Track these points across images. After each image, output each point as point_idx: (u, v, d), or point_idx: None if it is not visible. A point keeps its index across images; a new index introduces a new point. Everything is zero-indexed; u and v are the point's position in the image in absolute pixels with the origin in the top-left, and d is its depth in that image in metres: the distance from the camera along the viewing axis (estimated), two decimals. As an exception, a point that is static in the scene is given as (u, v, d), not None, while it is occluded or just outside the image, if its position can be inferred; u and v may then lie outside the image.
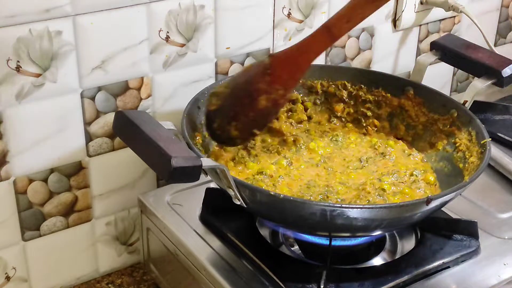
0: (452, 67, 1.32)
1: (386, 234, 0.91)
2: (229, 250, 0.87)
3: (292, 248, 0.90)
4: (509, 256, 0.89)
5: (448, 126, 0.97)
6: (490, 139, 0.89)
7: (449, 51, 1.06)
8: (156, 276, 1.00)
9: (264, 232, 0.91)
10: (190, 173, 0.72)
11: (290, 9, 1.05)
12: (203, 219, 0.93)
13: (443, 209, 0.87)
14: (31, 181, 0.91)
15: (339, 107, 1.04)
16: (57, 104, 0.89)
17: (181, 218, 0.93)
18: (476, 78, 1.02)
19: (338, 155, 0.97)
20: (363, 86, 1.03)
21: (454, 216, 0.93)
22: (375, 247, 0.90)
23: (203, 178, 0.75)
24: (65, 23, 0.86)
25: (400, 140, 1.00)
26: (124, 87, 0.94)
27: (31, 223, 0.94)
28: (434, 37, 1.26)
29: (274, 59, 0.87)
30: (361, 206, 0.81)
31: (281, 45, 1.07)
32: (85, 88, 0.91)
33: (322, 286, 0.80)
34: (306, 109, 1.04)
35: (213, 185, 0.96)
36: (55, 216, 0.95)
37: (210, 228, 0.91)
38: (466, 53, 1.04)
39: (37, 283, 0.98)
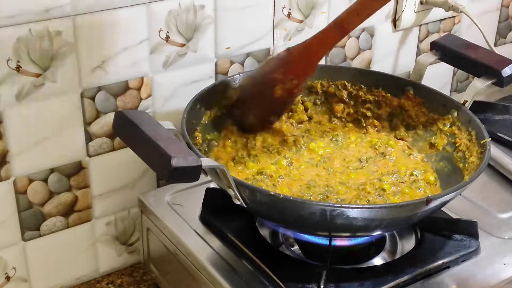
0: (452, 67, 1.32)
1: (386, 234, 0.91)
2: (229, 250, 0.87)
3: (292, 248, 0.90)
4: (509, 256, 0.89)
5: (448, 126, 0.97)
6: (490, 139, 0.89)
7: (449, 51, 1.06)
8: (156, 276, 1.00)
9: (264, 232, 0.91)
10: (190, 173, 0.72)
11: (290, 9, 1.05)
12: (203, 219, 0.93)
13: (443, 209, 0.87)
14: (31, 181, 0.91)
15: (339, 107, 1.04)
16: (57, 104, 0.89)
17: (181, 218, 0.93)
18: (476, 78, 1.02)
19: (338, 155, 0.97)
20: (363, 86, 1.03)
21: (454, 216, 0.93)
22: (375, 247, 0.90)
23: (203, 178, 0.75)
24: (65, 23, 0.86)
25: (400, 140, 1.00)
26: (124, 87, 0.94)
27: (31, 223, 0.94)
28: (434, 37, 1.26)
29: (289, 52, 0.93)
30: (361, 206, 0.81)
31: (281, 45, 1.07)
32: (85, 88, 0.91)
33: (322, 286, 0.80)
34: (306, 110, 1.04)
35: (213, 185, 0.96)
36: (55, 216, 0.95)
37: (210, 228, 0.91)
38: (466, 53, 1.04)
39: (37, 283, 0.98)
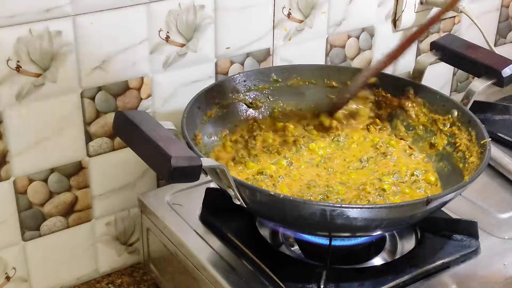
0: (452, 67, 1.32)
1: (386, 234, 0.91)
2: (229, 250, 0.87)
3: (292, 248, 0.90)
4: (509, 256, 0.89)
5: (448, 126, 0.97)
6: (490, 139, 0.89)
7: (449, 51, 1.06)
8: (156, 276, 1.00)
9: (264, 232, 0.91)
10: (190, 173, 0.72)
11: (290, 9, 1.05)
12: (203, 219, 0.93)
13: (443, 209, 0.87)
14: (31, 181, 0.91)
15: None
16: (57, 104, 0.89)
17: (181, 218, 0.93)
18: (476, 78, 1.02)
19: (338, 155, 0.97)
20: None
21: (454, 216, 0.93)
22: (375, 247, 0.90)
23: (203, 178, 0.75)
24: (65, 23, 0.86)
25: (401, 140, 1.00)
26: (124, 87, 0.94)
27: (31, 223, 0.94)
28: (434, 37, 1.26)
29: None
30: (361, 206, 0.81)
31: (281, 45, 1.07)
32: (85, 88, 0.91)
33: (322, 286, 0.80)
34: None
35: (213, 185, 0.96)
36: (55, 216, 0.95)
37: (210, 228, 0.91)
38: (466, 53, 1.04)
39: (37, 283, 0.98)
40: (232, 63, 1.03)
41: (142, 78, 0.95)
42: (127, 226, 1.03)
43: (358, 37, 1.16)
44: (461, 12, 1.19)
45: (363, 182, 0.90)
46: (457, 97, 1.03)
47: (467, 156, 0.91)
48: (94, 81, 0.91)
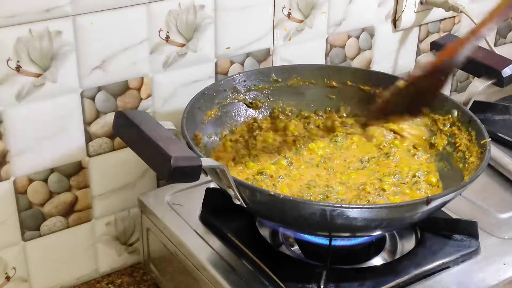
0: (452, 67, 1.32)
1: (386, 234, 0.91)
2: (229, 250, 0.87)
3: (292, 248, 0.90)
4: (509, 256, 0.88)
5: (448, 126, 0.96)
6: (490, 139, 0.89)
7: (449, 51, 1.06)
8: (156, 276, 1.00)
9: (264, 232, 0.91)
10: (190, 173, 0.72)
11: (290, 9, 1.05)
12: (203, 219, 0.93)
13: (443, 209, 0.87)
14: (31, 181, 0.91)
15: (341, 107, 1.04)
16: (57, 104, 0.89)
17: (181, 218, 0.93)
18: (476, 78, 1.02)
19: (338, 155, 0.97)
20: (363, 86, 1.03)
21: (454, 216, 0.93)
22: (375, 247, 0.90)
23: (203, 178, 0.75)
24: (65, 23, 0.86)
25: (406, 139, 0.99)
26: (124, 87, 0.94)
27: (31, 223, 0.94)
28: (434, 37, 1.26)
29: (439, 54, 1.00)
30: (361, 206, 0.81)
31: (281, 45, 1.07)
32: (85, 88, 0.91)
33: (322, 286, 0.80)
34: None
35: (213, 185, 0.96)
36: (55, 216, 0.95)
37: (210, 228, 0.91)
38: (466, 53, 1.04)
39: (37, 283, 0.98)
40: (232, 63, 1.03)
41: (142, 78, 0.95)
42: (127, 226, 1.03)
43: (358, 37, 1.16)
44: (461, 12, 1.19)
45: (363, 182, 0.90)
46: (457, 97, 1.03)
47: (467, 156, 0.91)
48: (94, 81, 0.91)
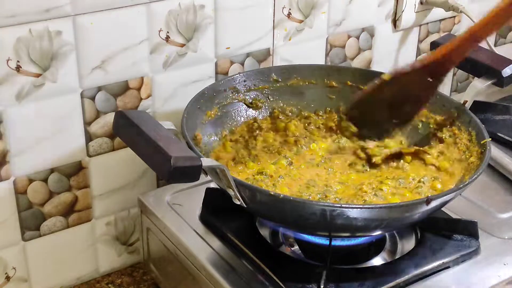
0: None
1: (386, 234, 0.91)
2: (229, 250, 0.87)
3: (292, 248, 0.90)
4: (509, 256, 0.88)
5: (448, 126, 0.96)
6: (490, 139, 0.89)
7: (449, 51, 1.06)
8: (156, 276, 1.00)
9: (264, 232, 0.91)
10: (190, 173, 0.72)
11: (290, 9, 1.05)
12: (203, 219, 0.93)
13: (443, 209, 0.87)
14: (31, 181, 0.91)
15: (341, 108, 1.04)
16: (57, 104, 0.89)
17: (181, 218, 0.93)
18: (476, 78, 1.02)
19: (340, 156, 0.97)
20: (363, 86, 1.03)
21: (454, 216, 0.93)
22: (375, 247, 0.90)
23: (203, 178, 0.75)
24: (65, 23, 0.86)
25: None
26: (124, 87, 0.94)
27: (31, 223, 0.94)
28: (434, 37, 1.26)
29: (428, 57, 0.95)
30: (361, 206, 0.81)
31: (281, 45, 1.07)
32: (85, 88, 0.91)
33: (322, 286, 0.80)
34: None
35: (213, 185, 0.96)
36: (55, 216, 0.95)
37: (210, 228, 0.91)
38: (466, 53, 1.04)
39: (37, 283, 0.98)
40: (232, 63, 1.03)
41: (142, 78, 0.95)
42: (127, 226, 1.03)
43: (358, 37, 1.16)
44: (461, 12, 1.19)
45: (362, 183, 0.90)
46: (457, 97, 1.03)
47: (467, 156, 0.91)
48: (94, 81, 0.91)
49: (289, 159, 0.94)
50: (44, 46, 0.85)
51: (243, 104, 1.01)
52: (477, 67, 1.02)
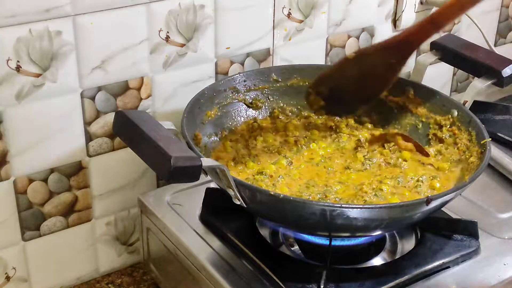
0: (452, 67, 1.32)
1: (386, 234, 0.91)
2: (229, 250, 0.87)
3: (292, 248, 0.90)
4: (509, 256, 0.89)
5: (448, 126, 0.96)
6: (490, 139, 0.89)
7: (449, 51, 1.06)
8: (156, 276, 1.00)
9: (264, 232, 0.91)
10: (190, 173, 0.72)
11: (290, 9, 1.05)
12: (203, 219, 0.93)
13: (443, 209, 0.87)
14: (31, 181, 0.91)
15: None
16: (57, 104, 0.89)
17: (181, 218, 0.93)
18: (476, 78, 1.02)
19: (339, 155, 0.97)
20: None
21: (454, 216, 0.93)
22: (375, 247, 0.90)
23: (203, 178, 0.75)
24: (65, 23, 0.86)
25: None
26: (124, 87, 0.94)
27: (31, 223, 0.94)
28: (434, 37, 1.26)
29: (389, 39, 0.97)
30: (361, 206, 0.81)
31: (281, 45, 1.07)
32: (85, 88, 0.91)
33: (322, 286, 0.80)
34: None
35: (213, 185, 0.96)
36: (55, 216, 0.95)
37: (210, 228, 0.91)
38: (466, 53, 1.04)
39: (37, 283, 0.98)
40: (232, 63, 1.03)
41: (142, 78, 0.95)
42: (127, 226, 1.03)
43: (358, 37, 1.16)
44: (461, 12, 1.19)
45: (362, 183, 0.89)
46: (457, 97, 1.03)
47: (467, 156, 0.91)
48: (94, 81, 0.91)
49: (289, 159, 0.94)
50: (44, 46, 0.85)
51: (243, 104, 1.01)
52: (477, 67, 1.02)
